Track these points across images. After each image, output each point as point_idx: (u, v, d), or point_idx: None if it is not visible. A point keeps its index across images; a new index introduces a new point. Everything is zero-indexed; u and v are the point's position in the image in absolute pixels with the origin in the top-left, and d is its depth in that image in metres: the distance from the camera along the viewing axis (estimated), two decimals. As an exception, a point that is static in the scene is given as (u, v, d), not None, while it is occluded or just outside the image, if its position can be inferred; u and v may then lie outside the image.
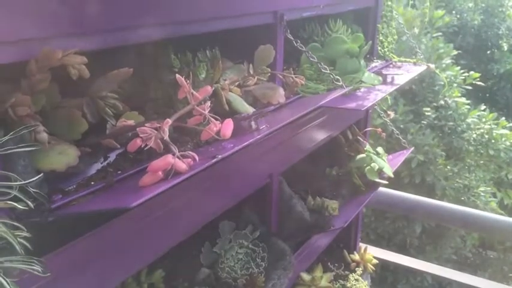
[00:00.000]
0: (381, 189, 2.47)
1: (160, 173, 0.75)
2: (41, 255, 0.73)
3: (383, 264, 2.33)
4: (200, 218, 1.19)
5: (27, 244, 0.70)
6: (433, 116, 4.65)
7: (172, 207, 1.05)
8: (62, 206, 0.75)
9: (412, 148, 2.07)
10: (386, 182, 1.73)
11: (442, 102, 4.04)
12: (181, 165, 0.77)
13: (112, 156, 0.95)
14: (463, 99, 4.31)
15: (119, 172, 0.89)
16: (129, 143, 0.78)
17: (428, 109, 4.63)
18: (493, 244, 5.66)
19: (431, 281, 5.10)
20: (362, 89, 1.62)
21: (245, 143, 0.91)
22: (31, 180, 0.72)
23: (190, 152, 0.79)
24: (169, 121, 0.79)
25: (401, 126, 4.29)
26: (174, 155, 0.76)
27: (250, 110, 1.21)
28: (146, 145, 0.76)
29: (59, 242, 0.80)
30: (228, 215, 1.47)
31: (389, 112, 2.06)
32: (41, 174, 0.74)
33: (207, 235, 1.41)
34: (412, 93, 4.73)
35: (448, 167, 4.60)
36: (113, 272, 0.93)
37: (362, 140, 1.97)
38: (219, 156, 0.84)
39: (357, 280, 1.90)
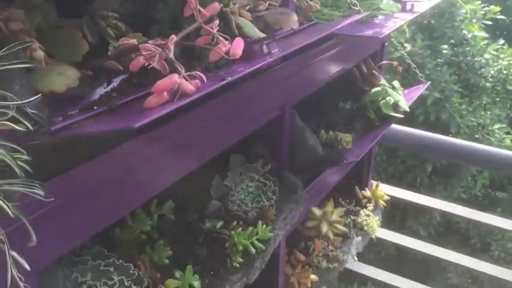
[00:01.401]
0: (395, 126, 2.42)
1: (165, 94, 0.70)
2: (43, 181, 0.70)
3: (392, 203, 2.31)
4: (210, 148, 1.15)
5: (28, 168, 0.67)
6: (451, 52, 4.49)
7: (181, 136, 1.01)
8: (63, 128, 0.71)
9: (429, 83, 1.99)
10: (402, 116, 1.67)
11: (464, 32, 3.87)
12: (188, 85, 0.71)
13: (116, 81, 0.90)
14: (482, 33, 4.13)
15: (123, 97, 0.84)
16: (132, 62, 0.72)
17: (446, 46, 4.48)
18: (503, 184, 5.65)
19: (439, 219, 5.15)
20: (379, 17, 1.53)
21: (257, 66, 0.85)
22: (29, 100, 0.68)
23: (197, 73, 0.74)
24: (174, 37, 0.73)
25: (419, 61, 4.14)
26: (180, 74, 0.71)
27: (262, 35, 1.14)
28: (150, 64, 0.71)
29: (63, 167, 0.76)
30: (239, 148, 1.43)
31: (405, 44, 1.97)
32: (39, 95, 0.69)
33: (217, 169, 1.39)
34: (430, 29, 4.55)
35: (464, 105, 4.51)
36: (121, 201, 0.90)
37: (377, 73, 1.89)
38: (229, 78, 0.78)
39: (368, 216, 1.89)
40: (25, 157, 0.68)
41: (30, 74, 0.73)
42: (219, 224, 1.27)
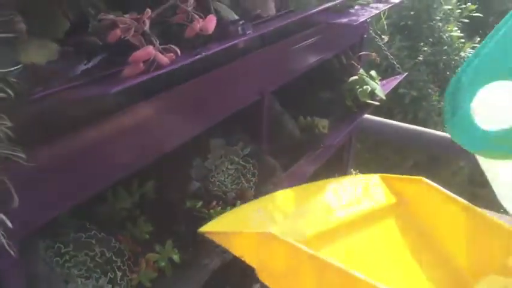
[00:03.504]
0: (376, 118, 2.48)
1: (141, 64, 0.74)
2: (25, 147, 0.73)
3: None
4: (190, 129, 1.19)
5: (10, 133, 0.71)
6: (429, 51, 4.59)
7: (161, 114, 1.05)
8: (44, 97, 0.75)
9: (406, 74, 2.06)
10: (378, 103, 1.73)
11: (440, 33, 3.99)
12: (163, 58, 0.76)
13: (96, 59, 0.94)
14: (458, 33, 4.26)
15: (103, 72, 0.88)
16: (110, 34, 0.76)
17: (423, 44, 4.57)
18: (483, 181, 5.73)
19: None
20: (356, 7, 1.58)
21: (230, 43, 0.89)
22: (12, 69, 0.72)
23: (172, 46, 0.78)
24: (149, 11, 0.77)
25: (397, 61, 4.24)
26: (154, 46, 0.75)
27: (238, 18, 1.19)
28: (125, 36, 0.75)
29: (45, 137, 0.80)
30: (219, 133, 1.47)
31: (383, 36, 2.03)
32: (21, 65, 0.73)
33: (198, 151, 1.43)
34: (408, 29, 4.65)
35: (442, 103, 4.62)
36: (102, 172, 0.94)
37: (356, 64, 1.95)
38: (203, 54, 0.82)
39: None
40: (8, 123, 0.71)
41: (11, 46, 0.77)
42: (199, 203, 1.31)
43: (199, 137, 1.28)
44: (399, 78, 1.97)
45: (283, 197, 0.88)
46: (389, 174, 0.91)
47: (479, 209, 0.79)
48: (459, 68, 0.66)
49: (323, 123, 1.55)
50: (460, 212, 0.74)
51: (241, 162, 1.43)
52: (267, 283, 0.73)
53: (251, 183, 1.41)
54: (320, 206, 0.84)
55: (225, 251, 1.27)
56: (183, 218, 1.26)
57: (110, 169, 0.95)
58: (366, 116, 2.05)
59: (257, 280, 1.59)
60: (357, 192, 0.85)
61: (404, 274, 0.74)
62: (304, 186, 0.93)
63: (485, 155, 0.69)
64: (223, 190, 1.37)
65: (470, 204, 0.80)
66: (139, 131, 1.00)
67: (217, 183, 1.38)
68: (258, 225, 0.80)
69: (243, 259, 0.76)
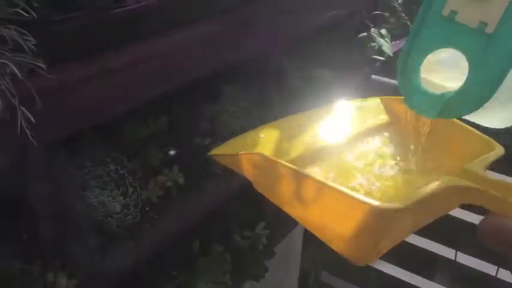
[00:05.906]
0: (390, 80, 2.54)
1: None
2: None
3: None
4: (198, 70, 1.31)
5: (34, 48, 0.85)
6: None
7: (172, 48, 1.17)
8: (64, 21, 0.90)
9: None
10: (383, 59, 1.81)
11: None
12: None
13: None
14: None
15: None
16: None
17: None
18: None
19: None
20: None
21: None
22: (36, -5, 0.86)
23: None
24: None
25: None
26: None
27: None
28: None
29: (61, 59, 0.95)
30: (230, 81, 1.60)
31: (398, -3, 2.09)
32: (44, -8, 0.87)
33: (209, 95, 1.56)
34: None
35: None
36: (115, 100, 1.08)
37: (369, 24, 2.02)
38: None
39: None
40: (32, 40, 0.86)
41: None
42: (208, 140, 1.45)
43: (211, 82, 1.41)
44: (411, 38, 2.03)
45: (288, 122, 0.97)
46: (388, 96, 0.98)
47: (459, 121, 0.83)
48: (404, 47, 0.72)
49: (326, 74, 1.66)
50: (440, 122, 0.80)
51: (248, 106, 1.56)
52: (262, 193, 0.86)
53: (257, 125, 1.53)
54: (317, 127, 0.92)
55: (227, 181, 1.41)
56: (191, 151, 1.40)
57: (126, 95, 1.09)
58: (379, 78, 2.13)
59: (263, 218, 1.73)
60: (357, 113, 0.92)
61: (382, 181, 0.80)
62: (312, 111, 1.02)
63: (449, 117, 0.74)
64: (229, 130, 1.51)
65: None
66: (157, 60, 1.13)
67: (225, 123, 1.52)
68: (255, 147, 0.90)
69: (242, 175, 0.88)
